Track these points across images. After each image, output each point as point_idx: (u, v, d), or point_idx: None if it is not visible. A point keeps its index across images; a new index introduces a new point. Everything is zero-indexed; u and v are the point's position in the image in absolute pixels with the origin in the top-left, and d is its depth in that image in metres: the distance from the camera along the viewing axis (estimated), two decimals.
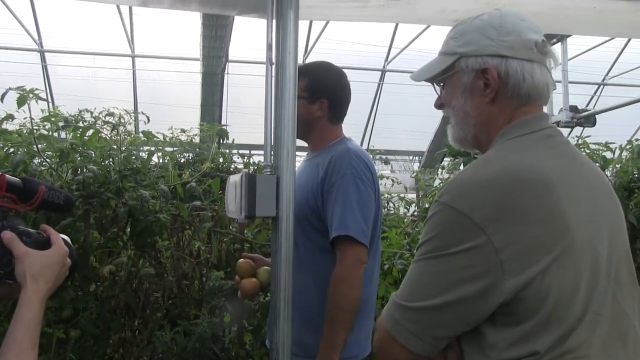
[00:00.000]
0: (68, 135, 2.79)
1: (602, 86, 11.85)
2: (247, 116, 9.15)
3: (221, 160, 3.56)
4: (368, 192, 1.90)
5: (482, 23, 1.20)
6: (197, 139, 4.13)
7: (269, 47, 1.88)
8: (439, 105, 1.32)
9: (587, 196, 1.11)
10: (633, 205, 3.01)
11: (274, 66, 1.86)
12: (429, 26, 9.00)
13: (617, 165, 3.64)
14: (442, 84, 1.29)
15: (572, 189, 1.08)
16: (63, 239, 1.16)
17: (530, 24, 1.19)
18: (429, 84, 1.34)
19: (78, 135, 2.70)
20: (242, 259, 2.11)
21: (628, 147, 3.69)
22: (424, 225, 1.12)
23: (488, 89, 1.18)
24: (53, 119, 2.72)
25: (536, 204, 1.03)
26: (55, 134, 2.77)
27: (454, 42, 1.23)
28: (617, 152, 3.71)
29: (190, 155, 3.96)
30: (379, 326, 1.15)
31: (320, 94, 2.02)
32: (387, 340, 1.11)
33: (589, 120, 5.91)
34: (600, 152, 3.55)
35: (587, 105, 9.63)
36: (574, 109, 5.68)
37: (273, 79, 1.85)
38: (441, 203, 1.08)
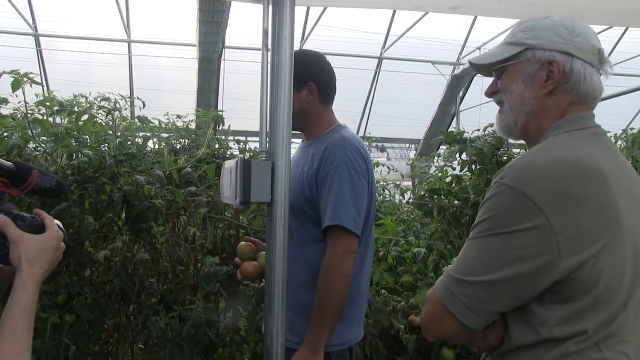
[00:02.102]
0: (63, 120, 2.77)
1: None
2: (244, 102, 9.12)
3: (217, 146, 3.55)
4: (361, 182, 1.90)
5: (554, 22, 1.27)
6: (193, 125, 4.12)
7: (265, 32, 1.87)
8: (490, 92, 1.38)
9: (629, 191, 1.19)
10: None
11: (270, 52, 1.86)
12: (426, 13, 8.95)
13: None
14: (499, 72, 1.34)
15: (620, 183, 1.16)
16: (57, 223, 1.16)
17: (594, 33, 1.28)
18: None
19: (73, 120, 2.68)
20: (244, 242, 2.12)
21: (623, 136, 3.70)
22: (481, 205, 1.18)
23: (550, 81, 1.25)
24: (48, 104, 2.71)
25: (593, 193, 1.11)
26: (50, 119, 2.76)
27: (523, 35, 1.30)
28: (613, 141, 3.73)
29: (186, 141, 3.96)
30: (430, 299, 1.21)
31: (306, 78, 2.01)
32: (439, 313, 1.17)
33: None
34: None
35: None
36: None
37: (269, 65, 1.85)
38: (503, 184, 1.13)
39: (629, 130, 3.77)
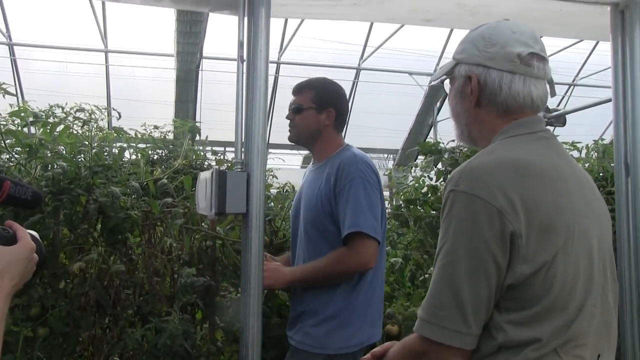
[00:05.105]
0: (38, 131, 2.74)
1: (572, 87, 12.08)
2: (222, 113, 9.09)
3: (194, 157, 3.53)
4: (375, 193, 2.04)
5: (477, 33, 1.30)
6: (170, 136, 4.09)
7: (241, 44, 1.89)
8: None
9: (579, 193, 1.20)
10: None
11: (245, 63, 1.88)
12: (403, 25, 9.06)
13: (585, 165, 3.72)
14: (447, 86, 1.40)
15: (568, 185, 1.18)
16: (31, 234, 1.15)
17: (521, 36, 1.26)
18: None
19: (48, 131, 2.66)
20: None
21: (594, 146, 3.77)
22: (442, 218, 1.17)
23: (472, 95, 1.29)
24: (22, 114, 2.68)
25: (544, 195, 1.12)
26: (25, 130, 2.72)
27: (457, 48, 1.35)
28: (584, 152, 3.79)
29: (164, 152, 3.93)
30: (419, 352, 1.16)
31: (328, 104, 2.18)
32: (440, 354, 1.12)
33: (559, 119, 6.02)
34: (568, 151, 3.62)
35: (557, 105, 9.80)
36: (545, 108, 5.79)
37: (244, 76, 1.87)
38: (459, 192, 1.13)
39: (600, 141, 3.84)
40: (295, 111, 2.18)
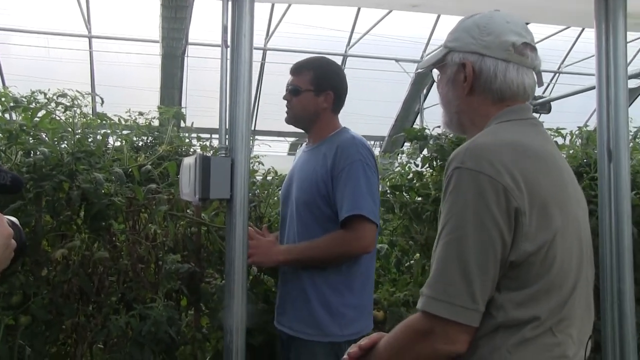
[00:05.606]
0: (18, 117, 2.70)
1: (557, 74, 12.13)
2: (208, 99, 9.03)
3: (179, 143, 3.51)
4: (374, 177, 2.03)
5: (471, 22, 1.32)
6: (155, 122, 4.06)
7: (224, 29, 1.87)
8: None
9: (569, 181, 1.25)
10: (581, 189, 3.10)
11: (229, 49, 1.86)
12: (390, 11, 9.04)
13: (570, 151, 3.74)
14: (437, 74, 1.42)
15: (561, 172, 1.23)
16: (10, 220, 1.13)
17: (515, 26, 1.30)
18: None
19: (29, 116, 2.62)
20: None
21: (578, 133, 3.80)
22: (446, 195, 1.17)
23: (465, 82, 1.31)
24: (2, 99, 2.64)
25: (543, 177, 1.16)
26: (6, 116, 2.68)
27: (449, 37, 1.36)
28: (568, 138, 3.82)
29: (148, 138, 3.90)
30: (425, 327, 1.13)
31: (326, 86, 2.13)
32: (446, 330, 1.10)
33: (545, 107, 6.09)
34: (552, 137, 3.64)
35: (543, 93, 9.84)
36: None
37: (228, 61, 1.85)
38: (465, 169, 1.14)
39: (584, 128, 3.86)
40: (293, 92, 2.12)
